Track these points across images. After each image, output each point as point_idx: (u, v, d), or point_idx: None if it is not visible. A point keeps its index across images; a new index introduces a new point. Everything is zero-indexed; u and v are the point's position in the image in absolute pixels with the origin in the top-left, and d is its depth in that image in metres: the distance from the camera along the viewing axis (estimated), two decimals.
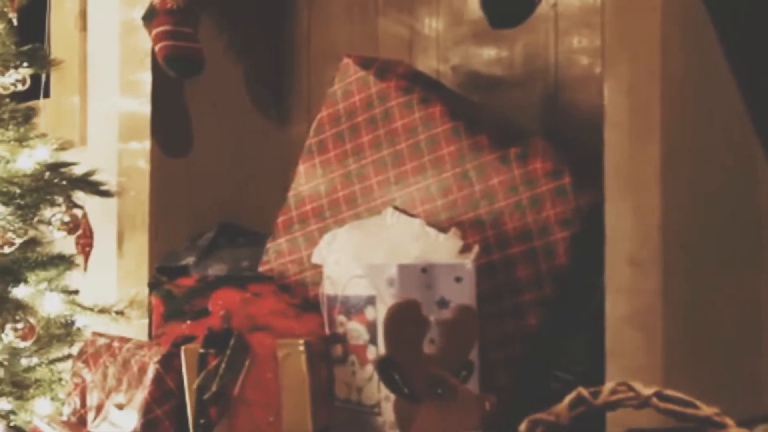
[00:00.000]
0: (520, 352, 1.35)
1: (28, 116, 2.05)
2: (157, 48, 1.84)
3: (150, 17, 1.86)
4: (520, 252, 1.34)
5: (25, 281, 1.98)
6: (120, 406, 1.46)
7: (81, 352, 1.62)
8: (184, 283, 1.64)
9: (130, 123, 1.98)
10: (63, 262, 2.02)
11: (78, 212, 1.95)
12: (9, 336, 1.93)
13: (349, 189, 1.50)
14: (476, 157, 1.38)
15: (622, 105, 1.13)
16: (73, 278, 2.05)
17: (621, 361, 1.12)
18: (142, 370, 1.42)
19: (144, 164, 1.93)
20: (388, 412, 1.25)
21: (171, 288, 1.63)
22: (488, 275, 1.33)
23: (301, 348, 1.31)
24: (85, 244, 1.97)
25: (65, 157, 2.03)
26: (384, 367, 1.13)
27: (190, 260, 1.77)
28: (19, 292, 1.97)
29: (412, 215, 1.42)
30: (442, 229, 1.37)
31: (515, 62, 1.63)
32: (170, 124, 1.95)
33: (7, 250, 1.92)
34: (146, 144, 1.93)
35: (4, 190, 1.93)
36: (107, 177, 1.99)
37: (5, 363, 1.99)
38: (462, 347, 1.18)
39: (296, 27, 2.01)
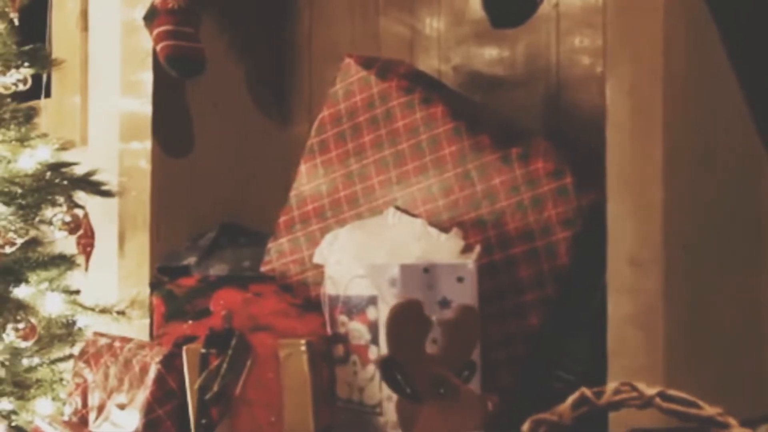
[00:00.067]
0: (522, 352, 1.35)
1: (30, 116, 2.05)
2: (158, 48, 1.84)
3: (151, 17, 1.86)
4: (521, 252, 1.34)
5: (27, 281, 1.98)
6: (121, 406, 1.46)
7: (82, 352, 1.62)
8: (185, 283, 1.64)
9: (132, 123, 1.98)
10: (64, 262, 2.02)
11: (79, 212, 1.95)
12: (10, 336, 1.93)
13: (351, 189, 1.50)
14: (478, 157, 1.38)
15: (624, 105, 1.13)
16: (74, 278, 2.05)
17: (622, 360, 1.12)
18: (144, 370, 1.42)
19: (145, 164, 1.93)
20: (390, 412, 1.25)
21: (172, 288, 1.63)
22: (490, 275, 1.33)
23: (303, 348, 1.31)
24: (86, 244, 1.97)
25: (66, 157, 2.03)
26: (386, 367, 1.13)
27: (191, 260, 1.77)
28: (21, 292, 1.97)
29: (413, 215, 1.42)
30: (444, 229, 1.37)
31: (517, 62, 1.62)
32: (171, 124, 1.95)
33: (8, 250, 1.92)
34: (147, 144, 1.93)
35: (6, 190, 1.93)
36: (108, 177, 1.99)
37: (6, 363, 1.99)
38: (464, 347, 1.18)
39: (297, 27, 2.01)
